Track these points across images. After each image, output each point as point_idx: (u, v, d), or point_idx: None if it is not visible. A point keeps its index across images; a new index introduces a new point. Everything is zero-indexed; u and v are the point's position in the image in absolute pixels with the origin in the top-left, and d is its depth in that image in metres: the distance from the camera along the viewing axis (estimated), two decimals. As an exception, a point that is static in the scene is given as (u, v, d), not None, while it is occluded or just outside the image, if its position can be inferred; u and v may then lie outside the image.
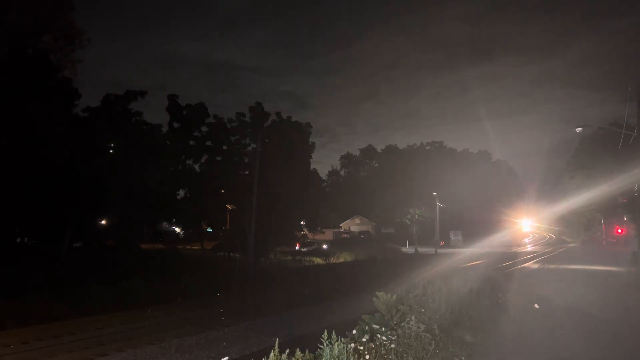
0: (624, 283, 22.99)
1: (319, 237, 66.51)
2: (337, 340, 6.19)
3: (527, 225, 78.97)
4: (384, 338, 6.89)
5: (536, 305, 15.30)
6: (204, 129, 44.10)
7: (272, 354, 5.65)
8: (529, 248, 67.91)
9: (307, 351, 6.06)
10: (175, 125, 43.29)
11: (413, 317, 7.62)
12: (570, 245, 66.90)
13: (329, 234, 76.19)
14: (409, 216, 69.31)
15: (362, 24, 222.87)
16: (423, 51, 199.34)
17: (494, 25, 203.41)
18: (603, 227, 67.09)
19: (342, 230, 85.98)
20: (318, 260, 42.08)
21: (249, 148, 44.48)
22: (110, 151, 31.71)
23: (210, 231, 55.69)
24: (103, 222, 34.72)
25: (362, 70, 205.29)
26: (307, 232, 62.38)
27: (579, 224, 69.01)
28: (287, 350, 5.82)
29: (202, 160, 44.76)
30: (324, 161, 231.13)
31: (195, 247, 46.29)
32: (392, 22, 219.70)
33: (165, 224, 52.68)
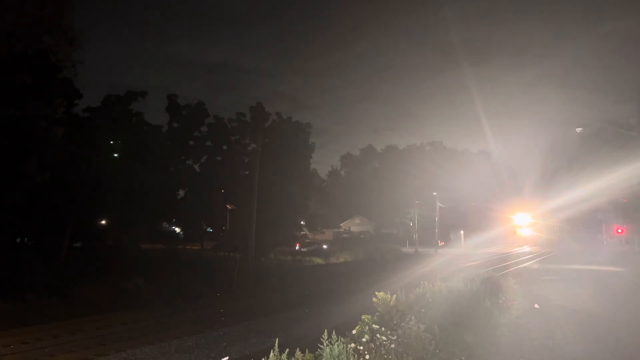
0: (626, 283, 22.98)
1: (319, 237, 66.46)
2: (337, 340, 6.19)
3: (529, 226, 78.84)
4: (383, 338, 6.88)
5: (536, 305, 15.29)
6: (204, 129, 44.10)
7: (272, 354, 5.65)
8: (530, 248, 67.91)
9: (307, 351, 6.06)
10: (175, 125, 43.27)
11: (413, 317, 7.60)
12: (570, 244, 66.82)
13: (329, 234, 76.13)
14: (409, 216, 69.29)
15: (359, 25, 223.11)
16: (419, 52, 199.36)
17: (490, 28, 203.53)
18: (603, 227, 67.01)
19: (342, 230, 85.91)
20: (318, 261, 42.07)
21: (249, 148, 44.50)
22: (111, 151, 31.69)
23: (210, 231, 55.66)
24: (103, 222, 34.69)
25: (359, 71, 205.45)
26: (307, 232, 62.34)
27: (580, 224, 68.95)
28: (287, 350, 5.81)
29: (202, 160, 44.76)
30: (324, 161, 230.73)
31: (195, 247, 46.27)
32: (389, 23, 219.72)
33: (165, 224, 52.63)
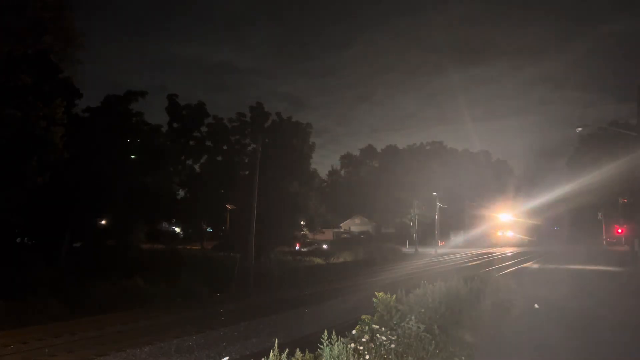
0: (626, 283, 23.00)
1: (319, 237, 66.47)
2: (337, 341, 6.18)
3: (527, 225, 79.03)
4: (383, 338, 6.87)
5: (536, 305, 15.29)
6: (204, 129, 44.14)
7: (271, 354, 5.64)
8: (530, 248, 67.94)
9: (307, 351, 6.05)
10: (175, 125, 43.31)
11: (413, 317, 7.60)
12: (569, 244, 66.86)
13: (329, 234, 76.17)
14: (409, 216, 69.30)
15: (357, 26, 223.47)
16: (417, 53, 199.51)
17: (488, 29, 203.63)
18: (603, 227, 67.11)
19: (342, 230, 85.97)
20: (318, 261, 42.06)
21: (249, 148, 44.58)
22: (111, 151, 31.71)
23: (210, 231, 55.69)
24: (103, 222, 34.72)
25: (358, 72, 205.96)
26: (307, 232, 62.38)
27: (579, 224, 69.16)
28: (287, 350, 5.81)
29: (202, 160, 44.80)
30: (324, 161, 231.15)
31: (195, 247, 46.28)
32: (387, 24, 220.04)
33: (165, 224, 52.68)
